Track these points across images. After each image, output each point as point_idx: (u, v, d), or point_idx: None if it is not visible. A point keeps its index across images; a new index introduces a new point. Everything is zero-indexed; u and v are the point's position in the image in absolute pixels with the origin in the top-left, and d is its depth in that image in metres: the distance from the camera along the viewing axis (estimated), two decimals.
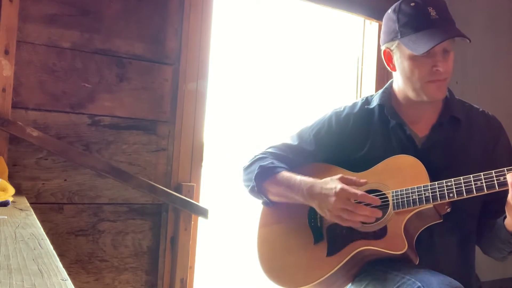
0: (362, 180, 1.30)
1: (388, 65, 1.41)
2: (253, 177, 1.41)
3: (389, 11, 1.38)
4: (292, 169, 1.45)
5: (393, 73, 1.43)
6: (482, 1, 2.98)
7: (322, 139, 1.47)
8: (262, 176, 1.41)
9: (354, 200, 1.25)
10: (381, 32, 1.43)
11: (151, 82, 1.88)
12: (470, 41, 1.28)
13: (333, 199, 1.25)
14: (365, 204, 1.25)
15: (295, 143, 1.50)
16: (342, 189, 1.24)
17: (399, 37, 1.31)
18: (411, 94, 1.36)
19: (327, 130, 1.47)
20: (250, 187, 1.45)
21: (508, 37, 3.12)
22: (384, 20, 1.41)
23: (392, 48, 1.37)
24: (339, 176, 1.29)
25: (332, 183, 1.28)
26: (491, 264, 1.56)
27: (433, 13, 1.28)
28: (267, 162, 1.43)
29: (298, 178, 1.36)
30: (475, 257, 1.43)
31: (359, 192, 1.24)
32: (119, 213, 1.82)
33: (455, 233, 1.36)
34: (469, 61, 2.86)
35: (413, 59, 1.30)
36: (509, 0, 3.13)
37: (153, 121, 1.89)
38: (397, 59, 1.36)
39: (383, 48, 1.41)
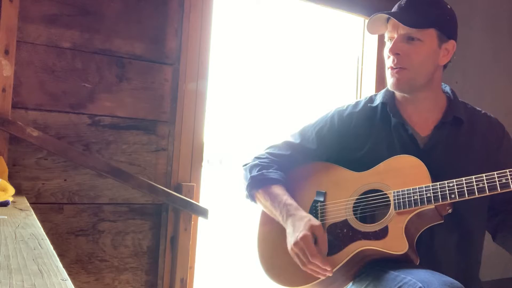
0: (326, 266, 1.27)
1: None
2: (245, 187, 1.46)
3: None
4: (293, 168, 1.46)
5: None
6: (482, 1, 2.98)
7: (324, 137, 1.47)
8: (252, 188, 1.45)
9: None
10: None
11: (151, 82, 1.88)
12: (411, 26, 1.32)
13: (293, 240, 1.28)
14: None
15: (297, 141, 1.50)
16: (303, 238, 1.25)
17: None
18: None
19: (330, 128, 1.47)
20: (245, 194, 1.50)
21: (508, 37, 3.12)
22: None
23: None
24: (315, 223, 1.28)
25: (303, 226, 1.28)
26: (491, 264, 1.56)
27: (402, 2, 1.38)
28: (258, 173, 1.44)
29: (284, 199, 1.38)
30: (480, 257, 1.42)
31: (313, 255, 1.23)
32: (119, 213, 1.82)
33: (456, 234, 1.35)
34: (469, 61, 2.86)
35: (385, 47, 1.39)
36: (509, 0, 3.13)
37: (153, 121, 1.89)
38: None
39: None
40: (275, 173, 1.44)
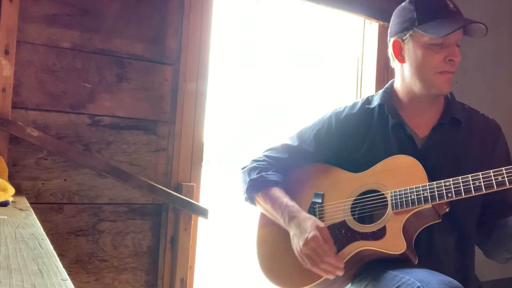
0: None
1: (396, 56, 1.40)
2: (245, 190, 1.46)
3: (403, 3, 1.40)
4: (291, 170, 1.46)
5: (397, 68, 1.43)
6: (482, 1, 2.98)
7: (322, 139, 1.47)
8: (252, 190, 1.45)
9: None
10: (392, 25, 1.43)
11: (151, 82, 1.88)
12: (486, 31, 1.32)
13: (302, 242, 1.27)
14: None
15: (295, 144, 1.50)
16: (313, 238, 1.25)
17: (417, 24, 1.33)
18: (418, 86, 1.36)
19: (327, 130, 1.47)
20: (244, 197, 1.50)
21: (508, 37, 3.12)
22: (397, 12, 1.42)
23: (404, 38, 1.37)
24: (321, 224, 1.29)
25: (310, 226, 1.28)
26: (491, 264, 1.56)
27: (451, 5, 1.33)
28: (257, 176, 1.44)
29: (285, 201, 1.38)
30: (475, 257, 1.43)
31: (327, 249, 1.24)
32: (119, 213, 1.82)
33: (454, 233, 1.36)
34: (469, 61, 2.85)
35: (427, 47, 1.32)
36: (509, 0, 3.13)
37: (153, 121, 1.89)
38: (408, 49, 1.36)
39: (393, 39, 1.40)
40: (274, 175, 1.45)
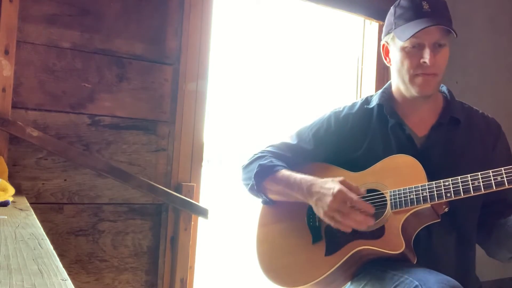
0: (361, 190, 1.29)
1: (385, 59, 1.45)
2: (253, 176, 1.41)
3: (391, 7, 1.43)
4: (291, 168, 1.46)
5: (390, 69, 1.45)
6: (482, 1, 2.98)
7: (321, 138, 1.47)
8: (261, 175, 1.41)
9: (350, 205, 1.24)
10: (383, 28, 1.46)
11: (151, 82, 1.88)
12: (456, 35, 1.30)
13: (329, 198, 1.24)
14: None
15: (294, 142, 1.50)
16: (340, 191, 1.23)
17: (393, 28, 1.36)
18: (402, 88, 1.39)
19: (326, 129, 1.47)
20: (249, 185, 1.45)
21: (508, 37, 3.13)
22: (387, 16, 1.45)
23: (388, 41, 1.41)
24: (340, 178, 1.28)
25: (332, 183, 1.27)
26: (491, 264, 1.56)
27: (426, 6, 1.32)
28: (266, 161, 1.42)
29: (299, 176, 1.36)
30: (475, 256, 1.43)
31: (355, 197, 1.23)
32: (119, 213, 1.83)
33: (453, 233, 1.36)
34: (469, 61, 2.86)
35: (404, 50, 1.34)
36: (509, 0, 3.13)
37: (153, 121, 1.89)
38: (391, 52, 1.40)
39: (382, 42, 1.45)
40: (282, 162, 1.44)
